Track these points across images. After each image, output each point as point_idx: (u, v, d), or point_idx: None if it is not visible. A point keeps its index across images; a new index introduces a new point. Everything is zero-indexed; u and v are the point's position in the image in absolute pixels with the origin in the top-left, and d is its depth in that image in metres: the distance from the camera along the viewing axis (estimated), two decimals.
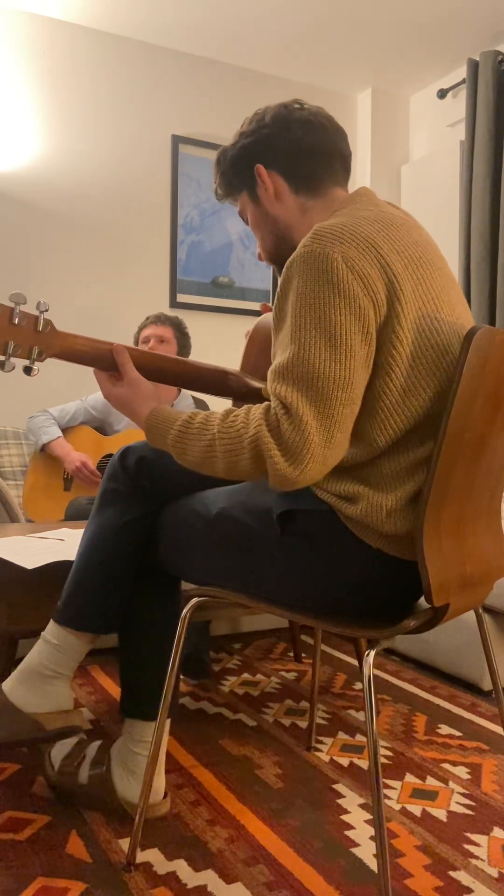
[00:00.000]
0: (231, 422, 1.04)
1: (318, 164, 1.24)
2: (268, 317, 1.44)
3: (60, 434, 2.67)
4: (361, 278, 1.00)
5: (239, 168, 1.27)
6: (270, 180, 1.25)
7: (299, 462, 0.97)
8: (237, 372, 1.38)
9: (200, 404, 2.83)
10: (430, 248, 1.13)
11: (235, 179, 1.29)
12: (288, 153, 1.23)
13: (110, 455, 2.61)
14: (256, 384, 1.37)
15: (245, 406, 1.06)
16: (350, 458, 1.08)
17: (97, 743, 1.47)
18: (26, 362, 1.20)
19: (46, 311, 1.19)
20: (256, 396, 1.36)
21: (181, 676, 2.13)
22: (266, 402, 1.03)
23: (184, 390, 2.75)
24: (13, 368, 1.17)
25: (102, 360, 1.25)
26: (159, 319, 2.76)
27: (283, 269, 1.06)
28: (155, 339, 2.71)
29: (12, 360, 1.18)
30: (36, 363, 1.20)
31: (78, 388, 3.23)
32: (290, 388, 0.99)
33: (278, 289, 1.07)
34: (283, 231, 1.26)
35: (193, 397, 2.84)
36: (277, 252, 1.29)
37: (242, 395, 1.36)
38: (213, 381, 1.34)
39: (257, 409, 1.02)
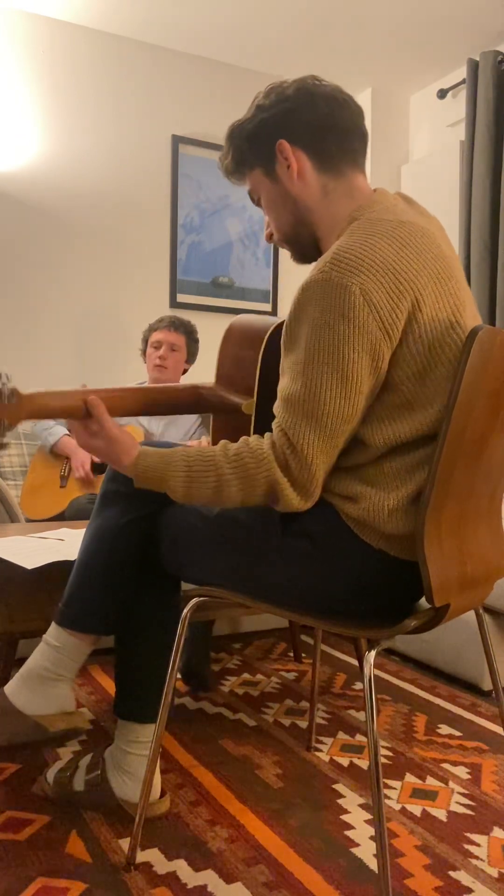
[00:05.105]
0: (236, 459, 1.07)
1: (342, 142, 1.18)
2: (241, 318, 1.40)
3: (66, 432, 2.66)
4: (378, 311, 0.99)
5: (257, 143, 1.19)
6: (294, 157, 1.17)
7: (309, 495, 1.06)
8: (209, 385, 1.35)
9: (206, 419, 2.79)
10: (450, 259, 1.10)
11: (251, 155, 1.21)
12: (313, 129, 1.16)
13: None
14: (234, 399, 1.33)
15: (242, 440, 1.08)
16: (353, 460, 1.09)
17: (89, 754, 1.47)
18: None
19: (8, 382, 1.14)
20: (235, 412, 1.33)
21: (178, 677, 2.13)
22: (269, 436, 1.05)
23: None
24: None
25: (74, 411, 1.19)
26: (173, 325, 2.65)
27: (299, 290, 1.03)
28: (167, 346, 2.65)
29: None
30: (7, 433, 1.17)
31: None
32: (297, 421, 1.03)
33: (292, 308, 1.04)
34: (303, 212, 1.19)
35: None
36: (295, 234, 1.22)
37: (220, 409, 1.34)
38: (188, 402, 1.33)
39: (265, 447, 1.05)
